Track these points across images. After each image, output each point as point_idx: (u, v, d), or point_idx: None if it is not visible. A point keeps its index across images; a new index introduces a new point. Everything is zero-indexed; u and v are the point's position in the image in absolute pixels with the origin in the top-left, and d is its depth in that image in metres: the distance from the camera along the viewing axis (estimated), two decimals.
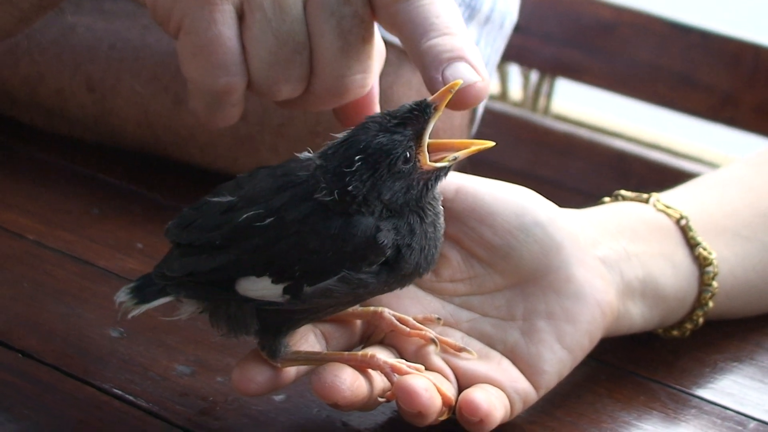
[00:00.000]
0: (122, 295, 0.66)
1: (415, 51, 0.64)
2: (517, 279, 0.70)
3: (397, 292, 0.68)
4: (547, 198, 0.71)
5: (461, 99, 0.63)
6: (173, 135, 0.96)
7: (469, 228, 0.69)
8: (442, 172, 0.64)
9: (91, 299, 0.79)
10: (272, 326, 0.64)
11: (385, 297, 0.69)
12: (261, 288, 0.63)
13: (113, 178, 0.97)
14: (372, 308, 0.68)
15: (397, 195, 0.62)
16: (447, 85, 0.63)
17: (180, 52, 0.64)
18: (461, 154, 0.64)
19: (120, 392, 0.69)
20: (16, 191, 0.93)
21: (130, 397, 0.69)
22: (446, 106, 0.63)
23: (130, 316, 0.66)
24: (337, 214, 0.62)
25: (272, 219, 0.62)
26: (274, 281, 0.62)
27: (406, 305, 0.70)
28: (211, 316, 0.66)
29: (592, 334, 0.70)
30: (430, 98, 0.63)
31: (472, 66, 0.63)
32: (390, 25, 0.65)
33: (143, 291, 0.66)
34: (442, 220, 0.65)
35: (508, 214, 0.69)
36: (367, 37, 0.65)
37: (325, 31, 0.64)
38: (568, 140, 1.30)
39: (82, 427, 0.67)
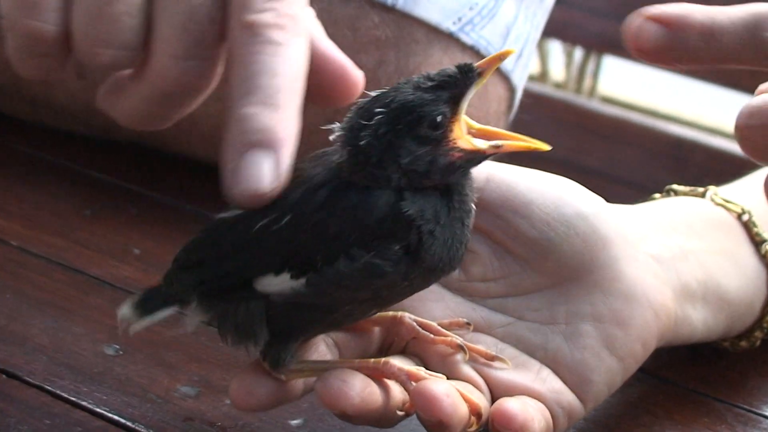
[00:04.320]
0: (124, 309, 0.65)
1: (229, 109, 0.60)
2: (557, 277, 0.68)
3: (421, 293, 0.66)
4: (594, 191, 0.69)
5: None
6: (173, 125, 0.95)
7: (502, 219, 0.67)
8: (477, 156, 0.61)
9: (82, 312, 0.78)
10: (283, 331, 0.63)
11: (407, 299, 0.66)
12: (279, 282, 0.61)
13: (106, 175, 0.97)
14: (391, 313, 0.67)
15: (417, 162, 0.60)
16: (497, 53, 0.61)
17: None
18: (507, 145, 0.61)
19: (116, 417, 0.69)
20: None
21: (128, 422, 0.68)
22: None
23: (132, 332, 0.65)
24: (354, 188, 0.60)
25: (289, 217, 0.61)
26: (293, 276, 0.61)
27: (430, 308, 0.68)
28: (219, 327, 0.64)
29: (645, 340, 0.68)
30: (476, 64, 0.61)
31: (277, 162, 0.59)
32: (229, 49, 0.61)
33: (146, 303, 0.65)
34: (471, 219, 0.63)
35: (546, 204, 0.67)
36: (214, 17, 0.61)
37: (170, 1, 0.61)
38: (618, 125, 1.29)
39: None
